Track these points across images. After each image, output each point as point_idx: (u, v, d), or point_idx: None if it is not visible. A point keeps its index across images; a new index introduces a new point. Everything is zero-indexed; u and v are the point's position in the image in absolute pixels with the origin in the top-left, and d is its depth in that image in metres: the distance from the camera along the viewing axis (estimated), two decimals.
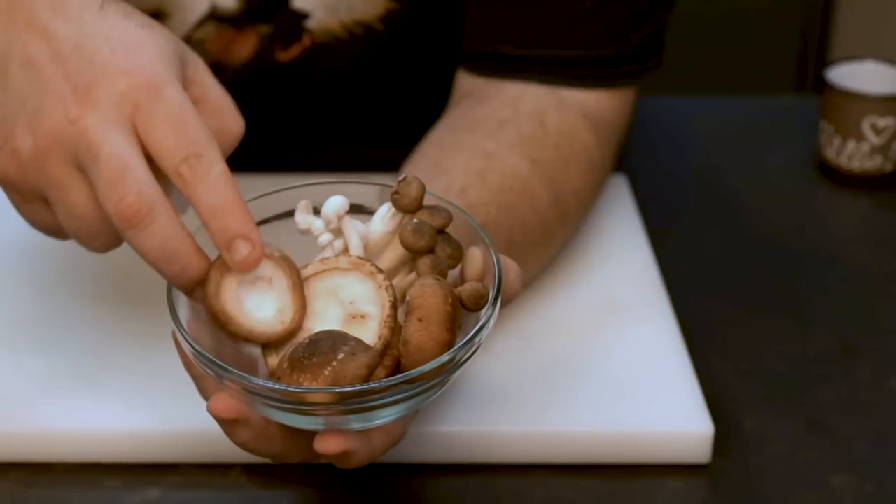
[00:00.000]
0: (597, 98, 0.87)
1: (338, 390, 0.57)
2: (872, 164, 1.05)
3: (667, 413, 0.75)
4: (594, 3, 0.85)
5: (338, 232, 0.64)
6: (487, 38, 0.88)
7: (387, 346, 0.60)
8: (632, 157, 1.07)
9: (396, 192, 0.63)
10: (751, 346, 0.86)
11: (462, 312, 0.62)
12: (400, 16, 0.93)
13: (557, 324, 0.82)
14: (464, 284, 0.62)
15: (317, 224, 0.64)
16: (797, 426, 0.78)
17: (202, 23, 0.92)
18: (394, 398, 0.58)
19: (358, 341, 0.59)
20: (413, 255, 0.63)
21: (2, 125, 0.63)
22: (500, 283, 0.62)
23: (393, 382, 0.58)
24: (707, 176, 1.08)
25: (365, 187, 0.67)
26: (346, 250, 0.64)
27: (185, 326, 0.61)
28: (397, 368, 0.61)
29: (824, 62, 2.10)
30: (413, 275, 0.63)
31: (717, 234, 0.99)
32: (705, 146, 1.13)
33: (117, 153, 0.60)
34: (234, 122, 0.67)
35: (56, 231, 0.66)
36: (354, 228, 0.64)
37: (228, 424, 0.62)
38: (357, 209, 0.65)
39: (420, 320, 0.60)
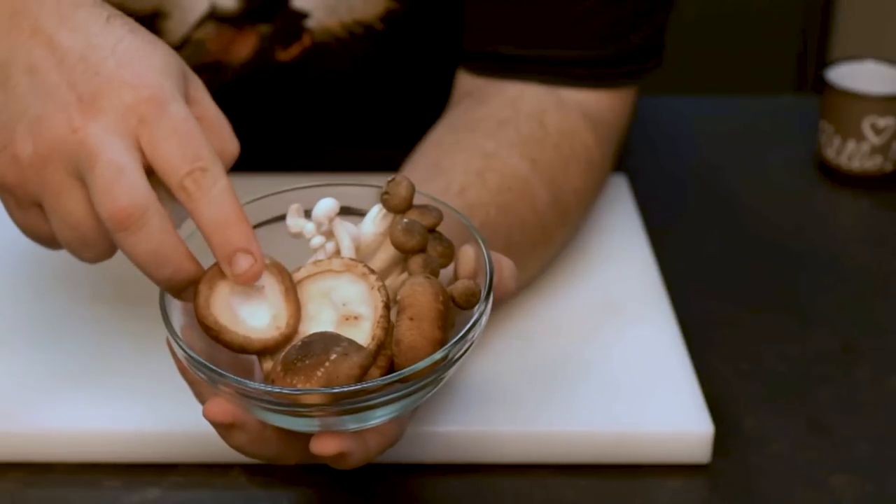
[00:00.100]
0: (597, 98, 0.87)
1: (331, 391, 0.57)
2: (872, 164, 1.05)
3: (667, 413, 0.75)
4: (594, 3, 0.85)
5: (329, 234, 0.64)
6: (487, 38, 0.88)
7: (380, 347, 0.60)
8: (632, 157, 1.07)
9: (386, 193, 0.63)
10: (751, 346, 0.86)
11: (455, 311, 0.62)
12: (400, 15, 0.93)
13: (557, 324, 0.82)
14: (456, 283, 0.62)
15: (308, 227, 0.64)
16: (797, 426, 0.78)
17: (202, 22, 0.92)
18: (388, 397, 0.58)
19: (350, 342, 0.59)
20: (405, 254, 0.63)
21: (2, 131, 0.63)
22: (491, 280, 0.62)
23: (386, 381, 0.58)
24: (707, 176, 1.08)
25: (359, 189, 0.67)
26: (338, 252, 0.64)
27: (179, 332, 0.61)
28: (391, 369, 0.61)
29: (824, 62, 2.10)
30: (405, 275, 0.63)
31: (717, 234, 0.99)
32: (705, 146, 1.13)
33: (115, 160, 0.60)
34: (230, 143, 0.67)
35: (47, 239, 0.66)
36: (346, 230, 0.64)
37: (224, 429, 0.62)
38: (354, 212, 0.65)
39: (411, 319, 0.59)
